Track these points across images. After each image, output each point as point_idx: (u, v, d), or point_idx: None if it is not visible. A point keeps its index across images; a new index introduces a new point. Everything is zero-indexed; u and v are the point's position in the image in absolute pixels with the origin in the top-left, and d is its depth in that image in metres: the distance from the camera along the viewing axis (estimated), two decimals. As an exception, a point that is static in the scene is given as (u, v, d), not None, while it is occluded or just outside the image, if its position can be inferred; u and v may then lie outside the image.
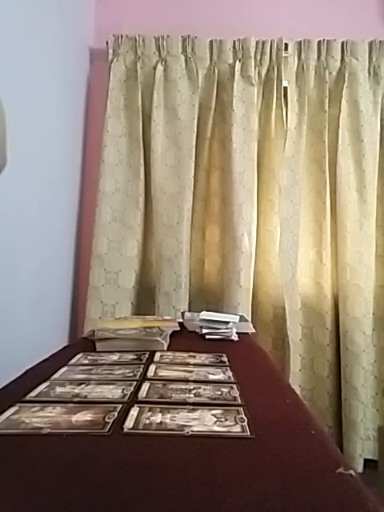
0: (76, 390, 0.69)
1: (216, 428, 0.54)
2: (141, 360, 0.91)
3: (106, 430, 0.53)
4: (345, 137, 1.95)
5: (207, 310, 1.41)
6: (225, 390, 0.71)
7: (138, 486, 0.40)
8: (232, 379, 0.78)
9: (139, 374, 0.80)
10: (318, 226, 1.97)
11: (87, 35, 2.08)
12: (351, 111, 1.97)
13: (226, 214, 1.93)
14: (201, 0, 2.13)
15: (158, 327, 1.17)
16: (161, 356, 0.95)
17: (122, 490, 0.40)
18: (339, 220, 1.93)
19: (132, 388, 0.70)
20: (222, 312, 1.59)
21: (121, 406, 0.62)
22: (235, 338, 1.21)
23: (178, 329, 1.23)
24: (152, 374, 0.79)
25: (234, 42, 1.98)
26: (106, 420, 0.56)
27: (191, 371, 0.82)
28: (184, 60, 2.00)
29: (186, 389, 0.71)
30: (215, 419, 0.57)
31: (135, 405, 0.62)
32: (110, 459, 0.46)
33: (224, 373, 0.82)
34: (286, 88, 1.99)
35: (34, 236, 1.49)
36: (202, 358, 0.95)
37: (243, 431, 0.54)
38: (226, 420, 0.57)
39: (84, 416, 0.58)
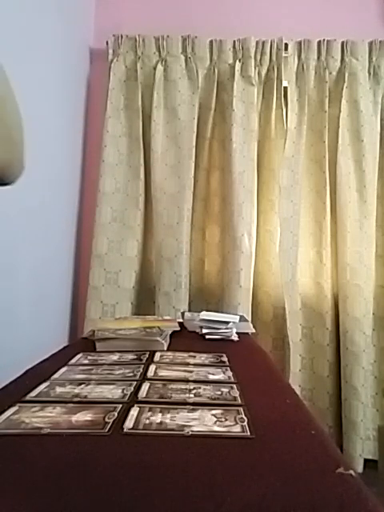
0: (76, 390, 0.69)
1: (216, 428, 0.54)
2: (141, 360, 0.91)
3: (106, 430, 0.53)
4: (345, 137, 1.95)
5: (207, 310, 1.40)
6: (225, 390, 0.71)
7: (138, 486, 0.40)
8: (232, 379, 0.78)
9: (139, 374, 0.79)
10: (318, 226, 1.97)
11: (87, 35, 2.08)
12: (351, 111, 1.97)
13: (226, 213, 1.93)
14: (201, 0, 2.13)
15: (158, 327, 1.16)
16: (161, 356, 0.95)
17: (122, 489, 0.40)
18: (339, 220, 1.93)
19: (132, 388, 0.70)
20: (222, 312, 1.59)
21: (121, 405, 0.62)
22: (235, 337, 1.21)
23: (178, 329, 1.23)
24: (152, 374, 0.79)
25: (234, 42, 1.98)
26: (106, 420, 0.56)
27: (191, 371, 0.82)
28: (184, 60, 2.00)
29: (186, 389, 0.71)
30: (215, 419, 0.57)
31: (135, 405, 0.62)
32: (110, 459, 0.46)
33: (224, 373, 0.82)
34: (285, 88, 2.00)
35: (34, 236, 1.49)
36: (202, 357, 0.95)
37: (243, 431, 0.54)
38: (226, 420, 0.57)
39: (84, 416, 0.58)
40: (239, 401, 0.66)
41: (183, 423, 0.56)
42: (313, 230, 1.98)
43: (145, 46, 2.00)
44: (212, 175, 2.01)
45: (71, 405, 0.62)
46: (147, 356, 0.94)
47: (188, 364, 0.88)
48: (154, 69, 1.98)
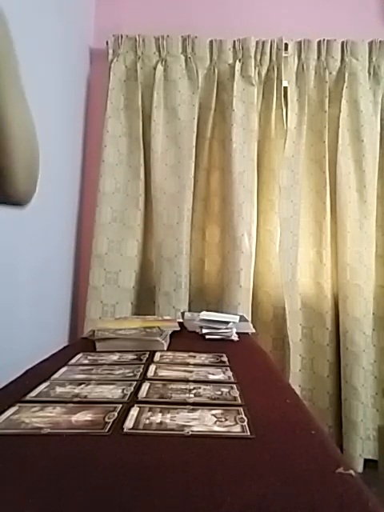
0: (76, 390, 0.69)
1: (216, 428, 0.54)
2: (141, 360, 0.91)
3: (106, 430, 0.53)
4: (345, 137, 1.95)
5: (207, 310, 1.40)
6: (225, 390, 0.71)
7: (138, 486, 0.40)
8: (232, 379, 0.78)
9: (139, 374, 0.79)
10: (318, 226, 1.97)
11: (87, 35, 2.08)
12: (351, 111, 1.97)
13: (226, 213, 1.93)
14: (201, 0, 2.13)
15: (158, 327, 1.16)
16: (161, 356, 0.95)
17: (122, 489, 0.40)
18: (339, 220, 1.93)
19: (132, 388, 0.70)
20: (222, 312, 1.59)
21: (121, 406, 0.62)
22: (235, 338, 1.21)
23: (178, 329, 1.23)
24: (152, 374, 0.79)
25: (234, 41, 1.98)
26: (106, 420, 0.56)
27: (191, 371, 0.82)
28: (184, 60, 2.00)
29: (186, 389, 0.71)
30: (215, 419, 0.57)
31: (135, 405, 0.62)
32: (110, 459, 0.46)
33: (224, 373, 0.82)
34: (285, 88, 2.00)
35: (34, 236, 1.49)
36: (202, 358, 0.95)
37: (243, 431, 0.54)
38: (226, 420, 0.57)
39: (84, 416, 0.58)
40: (239, 401, 0.66)
41: (183, 423, 0.56)
42: (313, 230, 1.98)
43: (145, 46, 2.00)
44: (212, 175, 2.01)
45: (71, 405, 0.62)
46: (147, 356, 0.94)
47: (188, 364, 0.88)
48: (154, 69, 1.98)
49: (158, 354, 0.96)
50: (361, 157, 1.94)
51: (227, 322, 1.25)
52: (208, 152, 1.99)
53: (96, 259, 1.91)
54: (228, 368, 0.86)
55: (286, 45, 1.98)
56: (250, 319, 1.78)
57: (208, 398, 0.66)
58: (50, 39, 1.58)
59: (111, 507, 0.37)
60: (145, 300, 1.97)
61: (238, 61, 1.96)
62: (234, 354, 0.99)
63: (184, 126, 1.96)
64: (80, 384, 0.73)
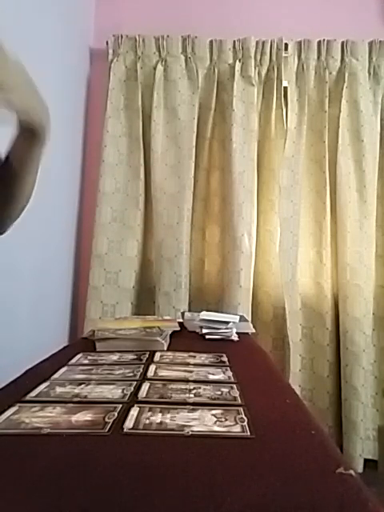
0: (76, 390, 0.69)
1: (216, 428, 0.54)
2: (141, 360, 0.91)
3: (106, 430, 0.53)
4: (345, 137, 1.95)
5: (207, 310, 1.40)
6: (225, 390, 0.71)
7: (138, 486, 0.40)
8: (232, 379, 0.78)
9: (139, 374, 0.79)
10: (318, 226, 1.97)
11: (87, 35, 2.08)
12: (351, 111, 1.97)
13: (226, 214, 1.93)
14: (201, 0, 2.13)
15: (158, 327, 1.16)
16: (161, 356, 0.95)
17: (122, 489, 0.40)
18: (339, 220, 1.93)
19: (132, 388, 0.70)
20: (221, 312, 1.59)
21: (121, 406, 0.62)
22: (235, 338, 1.21)
23: (178, 329, 1.22)
24: (152, 374, 0.79)
25: (234, 42, 1.98)
26: (106, 420, 0.56)
27: (191, 371, 0.82)
28: (184, 60, 2.00)
29: (186, 389, 0.71)
30: (215, 419, 0.57)
31: (135, 405, 0.62)
32: (110, 459, 0.46)
33: (224, 373, 0.82)
34: (285, 88, 2.00)
35: (34, 236, 1.49)
36: (202, 358, 0.94)
37: (243, 431, 0.54)
38: (226, 420, 0.57)
39: (84, 416, 0.58)
40: (239, 401, 0.65)
41: (183, 423, 0.56)
42: (313, 229, 1.98)
43: (145, 46, 2.00)
44: (212, 175, 2.01)
45: (71, 405, 0.62)
46: (147, 356, 0.94)
47: (188, 364, 0.88)
48: (154, 69, 1.98)
49: (157, 354, 0.96)
50: (361, 157, 1.94)
51: (227, 322, 1.25)
52: (208, 152, 1.99)
53: (96, 259, 1.91)
54: (228, 368, 0.86)
55: (286, 45, 1.98)
56: (250, 319, 1.78)
57: (208, 397, 0.66)
58: (50, 39, 1.58)
59: (111, 507, 0.37)
60: (145, 300, 1.97)
61: (237, 61, 1.97)
62: (233, 354, 0.99)
63: (184, 126, 1.96)
64: (80, 384, 0.73)
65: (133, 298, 1.93)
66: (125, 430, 0.53)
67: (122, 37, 1.99)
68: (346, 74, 1.97)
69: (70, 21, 1.81)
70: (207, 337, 1.21)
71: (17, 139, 0.65)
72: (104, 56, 2.01)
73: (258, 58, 1.99)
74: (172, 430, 0.54)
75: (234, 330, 1.24)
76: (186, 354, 0.97)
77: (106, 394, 0.67)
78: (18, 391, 0.68)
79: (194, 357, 0.95)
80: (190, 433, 0.53)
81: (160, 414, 0.59)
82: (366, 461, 1.81)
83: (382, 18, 2.10)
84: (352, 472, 0.43)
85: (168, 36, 1.99)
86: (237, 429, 0.54)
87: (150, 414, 0.59)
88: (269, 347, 1.88)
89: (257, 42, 1.98)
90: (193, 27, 2.01)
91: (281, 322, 1.90)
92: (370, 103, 1.99)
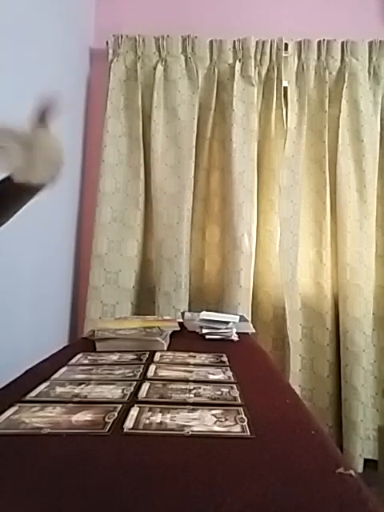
0: (76, 390, 0.69)
1: (216, 428, 0.54)
2: (141, 360, 0.91)
3: (106, 430, 0.53)
4: (345, 137, 1.95)
5: (207, 310, 1.40)
6: (225, 390, 0.71)
7: (138, 486, 0.40)
8: (232, 379, 0.78)
9: (139, 374, 0.79)
10: (318, 226, 1.97)
11: (87, 35, 2.08)
12: (351, 111, 1.97)
13: (226, 214, 1.93)
14: (201, 0, 2.13)
15: (158, 327, 1.16)
16: (161, 356, 0.95)
17: (122, 489, 0.40)
18: (339, 220, 1.93)
19: (132, 388, 0.70)
20: (222, 312, 1.59)
21: (121, 406, 0.62)
22: (235, 338, 1.21)
23: (178, 329, 1.23)
24: (152, 374, 0.79)
25: (234, 42, 1.98)
26: (106, 420, 0.56)
27: (191, 371, 0.82)
28: (184, 60, 2.00)
29: (186, 389, 0.71)
30: (215, 419, 0.57)
31: (135, 405, 0.62)
32: (110, 459, 0.46)
33: (224, 373, 0.82)
34: (285, 88, 1.99)
35: (34, 236, 1.49)
36: (202, 357, 0.95)
37: (243, 431, 0.54)
38: (226, 420, 0.57)
39: (84, 416, 0.58)
40: (239, 401, 0.66)
41: (183, 423, 0.56)
42: (313, 229, 1.98)
43: (145, 46, 2.00)
44: (212, 175, 2.01)
45: (71, 405, 0.62)
46: (147, 356, 0.94)
47: (188, 364, 0.88)
48: (154, 69, 1.98)
49: (157, 354, 0.96)
50: (361, 157, 1.94)
51: (227, 322, 1.25)
52: (208, 152, 1.99)
53: (96, 259, 1.91)
54: (228, 368, 0.86)
55: (286, 45, 1.98)
56: (250, 319, 1.78)
57: (208, 397, 0.67)
58: (50, 39, 1.58)
59: (111, 507, 0.37)
60: (145, 300, 1.97)
61: (238, 61, 1.96)
62: (233, 354, 0.99)
63: (184, 126, 1.96)
64: (80, 384, 0.73)
65: (133, 298, 1.93)
66: (125, 430, 0.53)
67: (121, 37, 1.99)
68: (346, 74, 1.97)
69: (70, 21, 1.81)
70: (207, 337, 1.21)
71: (9, 187, 0.63)
72: (104, 56, 2.01)
73: (258, 58, 1.99)
74: (172, 429, 0.54)
75: (234, 330, 1.24)
76: (185, 354, 0.97)
77: (106, 394, 0.67)
78: (18, 391, 0.68)
79: (194, 357, 0.95)
80: (190, 433, 0.53)
81: (160, 414, 0.59)
82: (366, 461, 1.81)
83: (382, 18, 2.10)
84: (352, 472, 0.43)
85: (168, 36, 1.99)
86: (237, 429, 0.54)
87: (149, 413, 0.59)
88: (269, 347, 1.88)
89: (257, 42, 1.98)
90: (193, 27, 2.01)
91: (281, 321, 1.90)
92: (370, 103, 1.99)
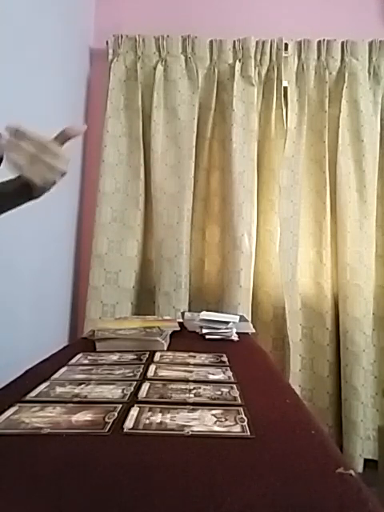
0: (76, 390, 0.69)
1: (216, 428, 0.54)
2: (141, 360, 0.91)
3: (106, 430, 0.53)
4: (345, 137, 1.95)
5: (207, 310, 1.40)
6: (225, 390, 0.71)
7: (138, 486, 0.40)
8: (232, 379, 0.78)
9: (139, 374, 0.80)
10: (318, 226, 1.97)
11: (87, 35, 2.08)
12: (351, 111, 1.97)
13: (226, 214, 1.93)
14: (201, 0, 2.13)
15: (158, 327, 1.16)
16: (161, 356, 0.95)
17: (122, 489, 0.40)
18: (339, 220, 1.93)
19: (132, 388, 0.70)
20: (221, 312, 1.59)
21: (121, 405, 0.62)
22: (235, 338, 1.21)
23: (178, 329, 1.23)
24: (152, 374, 0.79)
25: (234, 42, 1.98)
26: (106, 420, 0.56)
27: (191, 371, 0.82)
28: (184, 60, 2.00)
29: (186, 389, 0.71)
30: (215, 419, 0.57)
31: (135, 405, 0.62)
32: (110, 459, 0.46)
33: (224, 373, 0.82)
34: (285, 88, 1.99)
35: (34, 236, 1.49)
36: (202, 357, 0.95)
37: (243, 431, 0.54)
38: (226, 420, 0.57)
39: (84, 416, 0.58)
40: (239, 401, 0.66)
41: (183, 423, 0.56)
42: (313, 230, 1.98)
43: (145, 46, 2.00)
44: (212, 175, 2.01)
45: (71, 405, 0.62)
46: (147, 356, 0.94)
47: (188, 364, 0.88)
48: (154, 69, 1.98)
49: (157, 354, 0.96)
50: (361, 157, 1.94)
51: (227, 322, 1.25)
52: (208, 152, 1.99)
53: (96, 259, 1.91)
54: (228, 368, 0.86)
55: (286, 45, 1.98)
56: (250, 319, 1.78)
57: (208, 397, 0.67)
58: (50, 39, 1.58)
59: (111, 507, 0.37)
60: (145, 300, 1.97)
61: (238, 61, 1.96)
62: (234, 354, 0.99)
63: (184, 126, 1.96)
64: (80, 384, 0.73)
65: (133, 298, 1.93)
66: (125, 430, 0.53)
67: (121, 37, 1.99)
68: (346, 74, 1.97)
69: (70, 21, 1.81)
70: (207, 337, 1.21)
71: (8, 187, 0.69)
72: (104, 56, 2.01)
73: (258, 57, 1.99)
74: (172, 429, 0.54)
75: (234, 330, 1.24)
76: (186, 354, 0.97)
77: (106, 394, 0.67)
78: (18, 391, 0.68)
79: (194, 357, 0.95)
80: (190, 433, 0.53)
81: (160, 414, 0.59)
82: (366, 461, 1.81)
83: (382, 18, 2.10)
84: (352, 472, 0.43)
85: (168, 36, 1.99)
86: (237, 429, 0.54)
87: (149, 413, 0.59)
88: (269, 347, 1.88)
89: (257, 42, 1.98)
90: (193, 27, 2.01)
91: (281, 322, 1.90)
92: (370, 103, 1.99)
